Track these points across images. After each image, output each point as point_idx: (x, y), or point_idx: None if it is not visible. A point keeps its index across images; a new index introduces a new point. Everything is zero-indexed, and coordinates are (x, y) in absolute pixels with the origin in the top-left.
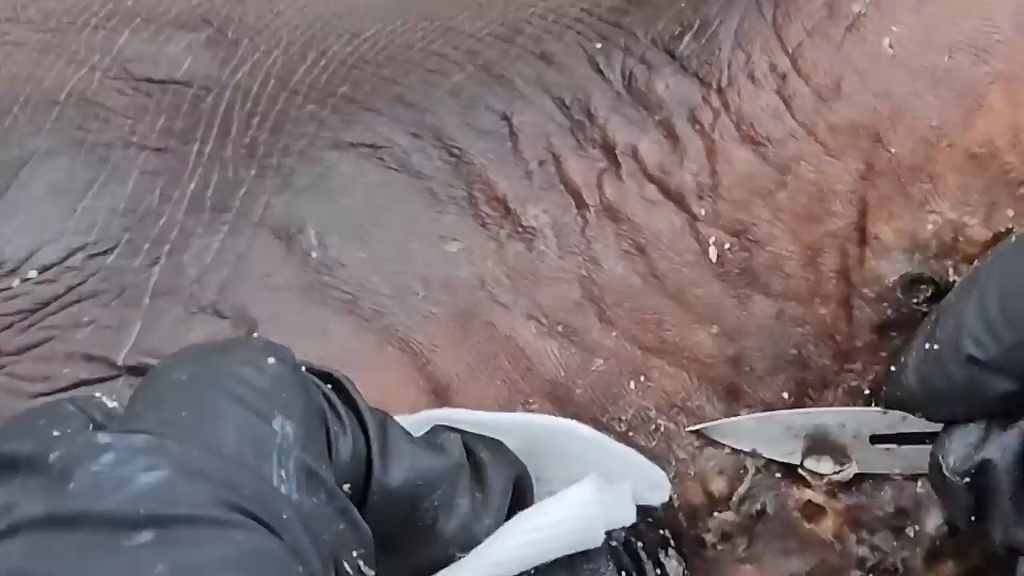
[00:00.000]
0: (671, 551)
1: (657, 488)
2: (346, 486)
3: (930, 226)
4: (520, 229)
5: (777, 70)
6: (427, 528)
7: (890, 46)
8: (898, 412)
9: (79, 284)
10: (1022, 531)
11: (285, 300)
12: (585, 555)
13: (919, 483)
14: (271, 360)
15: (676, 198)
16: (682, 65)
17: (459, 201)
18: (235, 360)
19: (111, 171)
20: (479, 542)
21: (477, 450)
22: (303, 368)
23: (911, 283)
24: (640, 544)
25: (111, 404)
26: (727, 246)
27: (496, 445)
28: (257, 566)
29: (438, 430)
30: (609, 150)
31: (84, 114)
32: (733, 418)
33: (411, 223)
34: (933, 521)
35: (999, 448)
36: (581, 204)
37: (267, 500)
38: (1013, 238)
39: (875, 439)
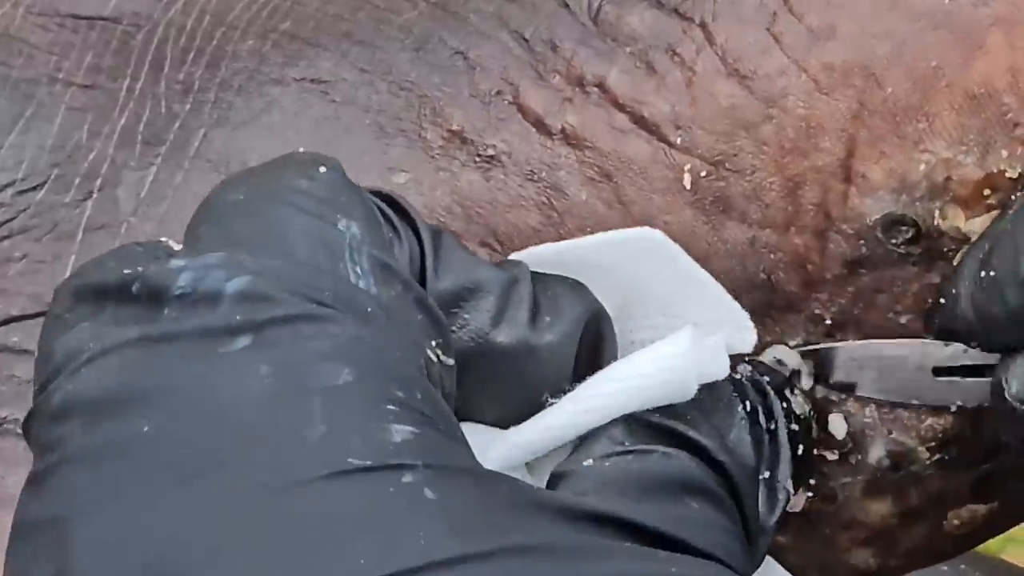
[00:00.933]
0: (797, 390)
1: (744, 331)
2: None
3: (922, 166)
4: (477, 159)
5: (767, 8)
6: (482, 338)
7: None
8: (958, 344)
9: (9, 220)
10: None
11: None
12: (710, 388)
13: (867, 411)
14: (322, 169)
15: (649, 127)
16: (658, 1)
17: (408, 134)
18: (288, 173)
19: (36, 107)
20: (565, 385)
21: (552, 284)
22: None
23: (892, 224)
24: (767, 379)
25: (176, 246)
26: (703, 174)
27: (575, 284)
28: (358, 354)
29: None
30: (574, 80)
31: (7, 50)
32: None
33: (358, 156)
34: (876, 453)
35: None
36: (543, 132)
37: (349, 297)
38: None
39: (938, 371)
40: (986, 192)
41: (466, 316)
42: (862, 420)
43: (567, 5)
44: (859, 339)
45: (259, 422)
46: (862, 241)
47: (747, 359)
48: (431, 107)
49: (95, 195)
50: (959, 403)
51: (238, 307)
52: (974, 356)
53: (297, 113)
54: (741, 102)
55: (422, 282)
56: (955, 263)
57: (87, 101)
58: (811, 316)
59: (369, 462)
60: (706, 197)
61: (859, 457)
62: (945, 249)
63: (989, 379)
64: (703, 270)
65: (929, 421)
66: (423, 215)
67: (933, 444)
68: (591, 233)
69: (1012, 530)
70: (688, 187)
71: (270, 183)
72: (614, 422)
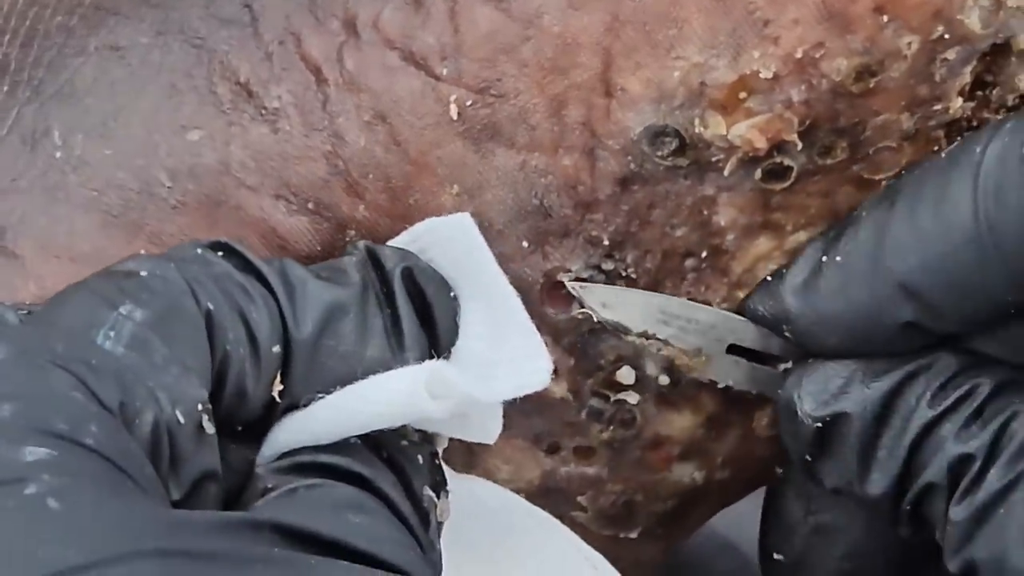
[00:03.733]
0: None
1: (537, 361)
2: (275, 348)
3: (676, 73)
4: (264, 111)
5: None
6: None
7: None
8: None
9: None
10: (858, 483)
11: (32, 201)
12: None
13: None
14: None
15: (418, 61)
16: None
17: (199, 90)
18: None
19: None
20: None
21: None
22: (198, 250)
23: (655, 136)
24: None
25: None
26: (469, 103)
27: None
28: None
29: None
30: (349, 23)
31: None
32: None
33: (153, 116)
34: (653, 369)
35: (859, 403)
36: (321, 80)
37: (79, 349)
38: (941, 155)
39: (731, 349)
40: (742, 95)
41: (331, 343)
42: (634, 342)
43: None
44: (638, 256)
45: None
46: (629, 157)
47: None
48: (219, 61)
49: None
50: (739, 386)
51: None
52: (777, 347)
53: (96, 80)
54: (500, 26)
55: (287, 337)
56: (725, 173)
57: None
58: (588, 238)
59: None
60: (474, 126)
61: (639, 376)
62: (714, 159)
63: (773, 369)
64: (505, 281)
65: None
66: (219, 171)
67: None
68: (373, 179)
69: None
70: (455, 118)
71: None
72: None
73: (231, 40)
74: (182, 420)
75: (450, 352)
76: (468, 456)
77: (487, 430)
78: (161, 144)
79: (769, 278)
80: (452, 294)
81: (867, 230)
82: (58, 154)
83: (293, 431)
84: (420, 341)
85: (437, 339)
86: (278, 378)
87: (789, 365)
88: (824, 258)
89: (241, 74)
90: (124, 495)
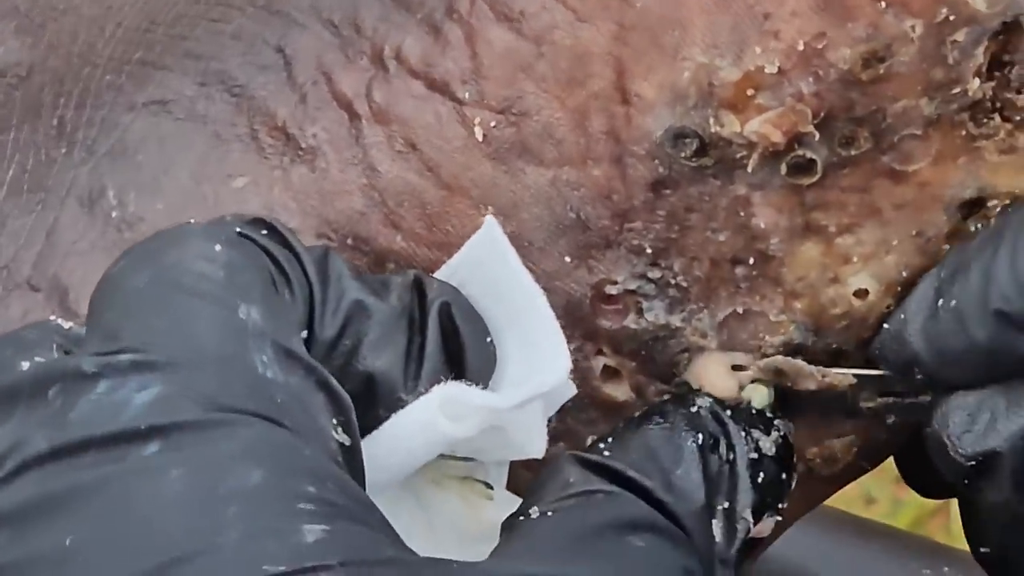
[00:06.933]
0: (772, 425)
1: (557, 361)
2: (303, 333)
3: (686, 74)
4: (301, 152)
5: None
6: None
7: None
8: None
9: None
10: (1018, 505)
11: (92, 262)
12: (660, 422)
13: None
14: (218, 248)
15: (440, 88)
16: None
17: (242, 138)
18: (187, 255)
19: None
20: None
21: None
22: (238, 229)
23: (676, 137)
24: (728, 413)
25: (66, 325)
26: (493, 124)
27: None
28: (268, 453)
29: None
30: (376, 57)
31: None
32: None
33: (200, 168)
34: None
35: (1008, 438)
36: (353, 116)
37: (260, 390)
38: None
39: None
40: (750, 92)
41: (346, 342)
42: (688, 339)
43: None
44: (685, 263)
45: (173, 530)
46: (656, 161)
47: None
48: (259, 108)
49: None
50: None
51: (148, 412)
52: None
53: (146, 136)
54: (514, 45)
55: (311, 330)
56: (749, 170)
57: None
58: (631, 248)
59: (283, 568)
60: (501, 146)
61: None
62: (737, 156)
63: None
64: (532, 283)
65: None
66: (263, 215)
67: None
68: (409, 207)
69: None
70: (481, 140)
71: (171, 268)
72: (564, 461)
73: (268, 86)
74: (341, 438)
75: (486, 386)
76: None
77: (533, 445)
78: (209, 194)
79: (887, 324)
80: (489, 339)
81: (976, 273)
82: (114, 213)
83: None
84: (440, 376)
85: (463, 379)
86: None
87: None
88: (940, 301)
89: (279, 118)
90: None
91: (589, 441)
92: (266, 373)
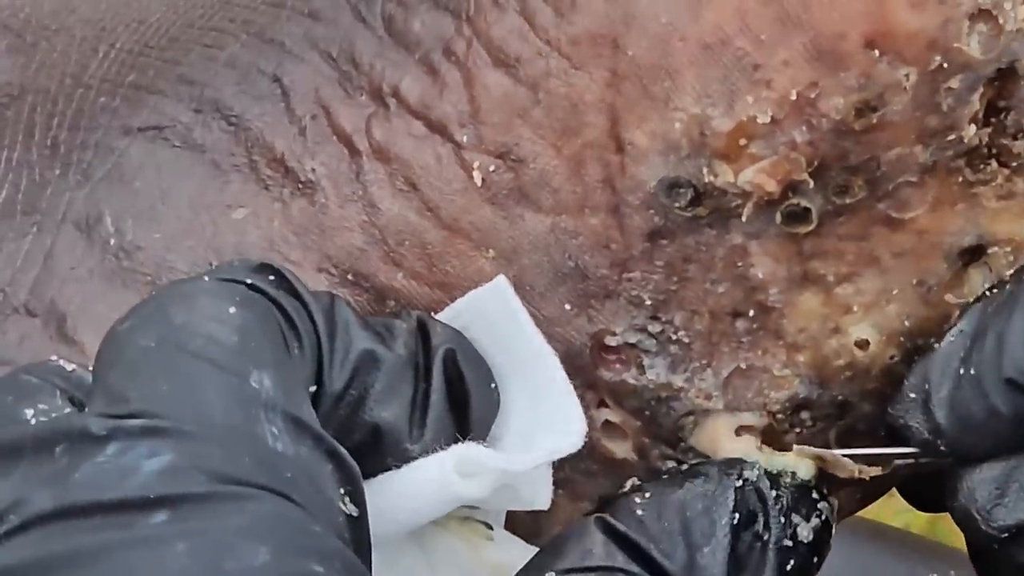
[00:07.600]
0: (815, 510)
1: (571, 425)
2: (311, 388)
3: (677, 124)
4: (300, 186)
5: None
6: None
7: None
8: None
9: None
10: None
11: (90, 289)
12: (702, 488)
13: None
14: (232, 310)
15: (439, 129)
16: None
17: (241, 168)
18: (196, 317)
19: None
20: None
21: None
22: (249, 281)
23: (671, 187)
24: (774, 492)
25: (69, 367)
26: (492, 168)
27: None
28: (274, 531)
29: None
30: (375, 94)
31: None
32: None
33: (199, 197)
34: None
35: None
36: (353, 151)
37: (269, 463)
38: None
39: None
40: (743, 142)
41: (353, 392)
42: (693, 401)
43: (363, 19)
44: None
45: None
46: (652, 211)
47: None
48: (256, 139)
49: None
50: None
51: (158, 481)
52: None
53: (142, 162)
54: (511, 91)
55: (320, 382)
56: (744, 219)
57: None
58: (630, 299)
59: None
60: (500, 192)
61: None
62: (732, 205)
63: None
64: (542, 341)
65: None
66: (263, 248)
67: None
68: (409, 245)
69: None
70: (480, 184)
71: (180, 330)
72: (592, 525)
73: (264, 116)
74: (350, 509)
75: (488, 432)
76: (533, 524)
77: (538, 497)
78: (208, 224)
79: (912, 395)
80: (493, 385)
81: (991, 341)
82: (112, 240)
83: None
84: (444, 424)
85: (467, 426)
86: None
87: None
88: (962, 370)
89: (276, 149)
90: None
91: (628, 486)
92: (276, 446)
